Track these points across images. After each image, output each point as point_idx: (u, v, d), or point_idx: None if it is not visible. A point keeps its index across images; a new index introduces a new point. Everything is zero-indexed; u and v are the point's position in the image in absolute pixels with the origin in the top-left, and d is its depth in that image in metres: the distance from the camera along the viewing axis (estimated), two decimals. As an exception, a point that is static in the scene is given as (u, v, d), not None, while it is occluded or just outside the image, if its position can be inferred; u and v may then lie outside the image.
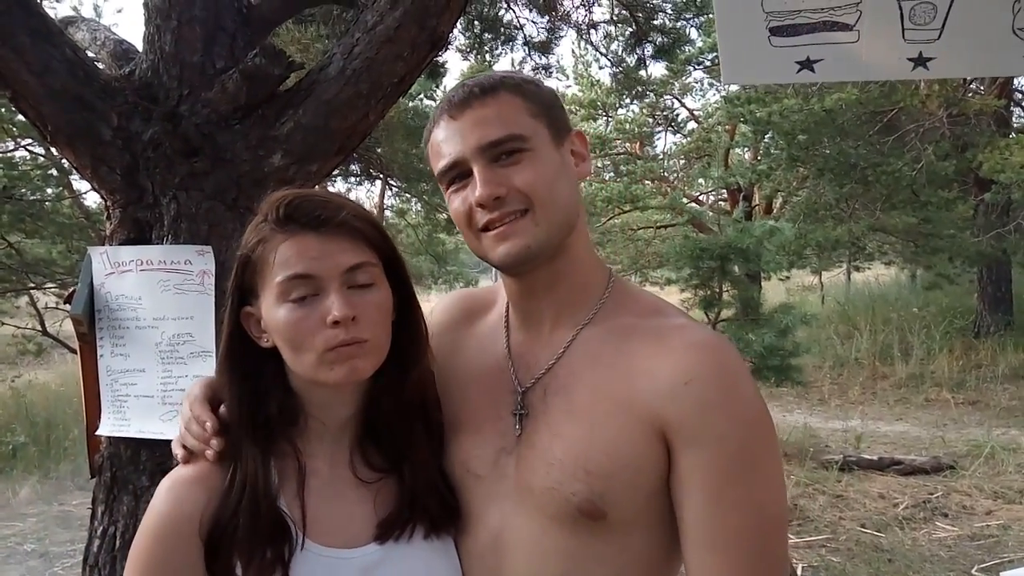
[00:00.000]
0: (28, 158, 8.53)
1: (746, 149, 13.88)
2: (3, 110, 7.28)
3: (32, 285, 8.75)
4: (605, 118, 15.06)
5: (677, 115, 15.44)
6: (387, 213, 13.70)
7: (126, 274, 2.16)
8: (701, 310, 6.70)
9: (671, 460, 1.01)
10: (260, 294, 1.06)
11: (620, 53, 7.78)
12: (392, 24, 2.13)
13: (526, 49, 6.58)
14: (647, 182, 14.23)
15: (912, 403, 9.20)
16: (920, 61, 1.81)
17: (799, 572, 4.59)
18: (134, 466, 2.18)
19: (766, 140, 11.56)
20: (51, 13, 2.39)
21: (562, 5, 6.43)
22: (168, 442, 2.02)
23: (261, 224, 1.06)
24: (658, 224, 14.89)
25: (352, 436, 1.14)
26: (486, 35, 6.44)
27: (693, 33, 10.14)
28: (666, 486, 1.02)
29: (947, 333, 11.14)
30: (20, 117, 5.39)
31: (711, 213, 13.48)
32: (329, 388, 1.07)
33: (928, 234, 10.74)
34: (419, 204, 12.40)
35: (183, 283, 2.12)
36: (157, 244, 2.17)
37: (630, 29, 6.88)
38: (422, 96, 10.48)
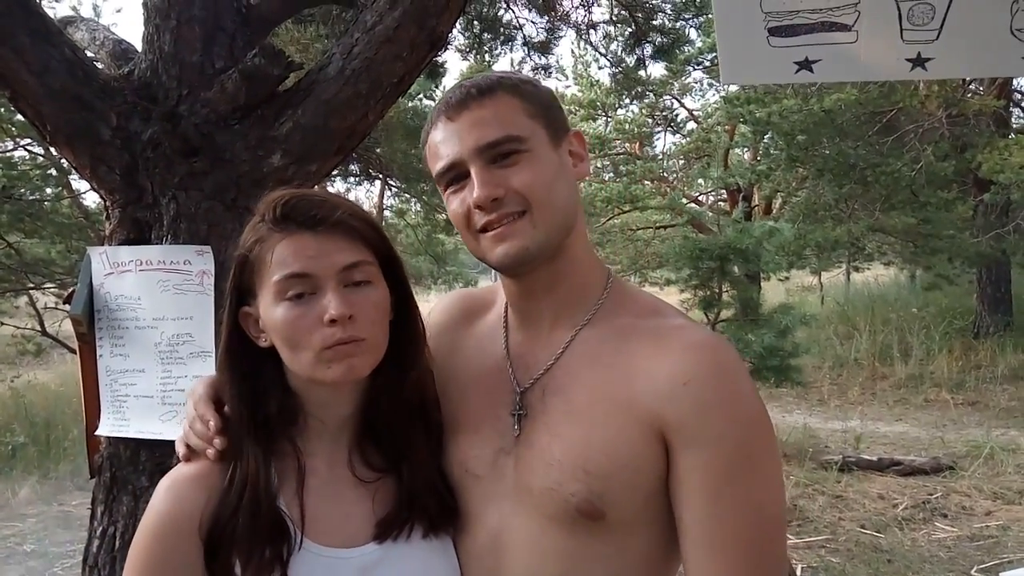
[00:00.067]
0: (27, 158, 8.53)
1: (745, 149, 13.89)
2: (2, 110, 7.28)
3: (31, 285, 8.75)
4: (604, 118, 15.07)
5: (676, 115, 15.47)
6: (386, 213, 13.69)
7: (125, 274, 2.16)
8: (701, 310, 6.70)
9: (670, 460, 1.01)
10: (258, 294, 1.07)
11: (619, 53, 7.78)
12: (391, 24, 2.13)
13: (525, 49, 6.58)
14: (646, 182, 14.23)
15: (911, 404, 9.20)
16: (918, 62, 1.81)
17: (798, 572, 4.60)
18: (133, 466, 2.18)
19: (765, 140, 11.56)
20: (50, 13, 2.40)
21: (561, 5, 6.43)
22: (168, 442, 2.04)
23: (258, 224, 1.07)
24: (657, 224, 14.90)
25: (351, 436, 1.14)
26: (485, 35, 6.43)
27: (692, 33, 10.17)
28: (665, 486, 1.02)
29: (946, 334, 11.14)
30: (19, 117, 5.39)
31: (710, 213, 13.49)
32: (327, 387, 1.07)
33: (927, 234, 10.75)
34: (418, 204, 12.40)
35: (182, 283, 2.12)
36: (156, 244, 2.17)
37: (629, 29, 6.87)
38: (421, 96, 10.48)
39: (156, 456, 2.14)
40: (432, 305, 1.36)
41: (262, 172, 2.17)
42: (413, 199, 12.37)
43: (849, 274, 18.54)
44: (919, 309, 12.59)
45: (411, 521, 1.10)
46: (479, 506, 1.12)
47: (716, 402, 0.99)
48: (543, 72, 6.79)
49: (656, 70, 11.73)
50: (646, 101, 13.51)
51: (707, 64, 12.92)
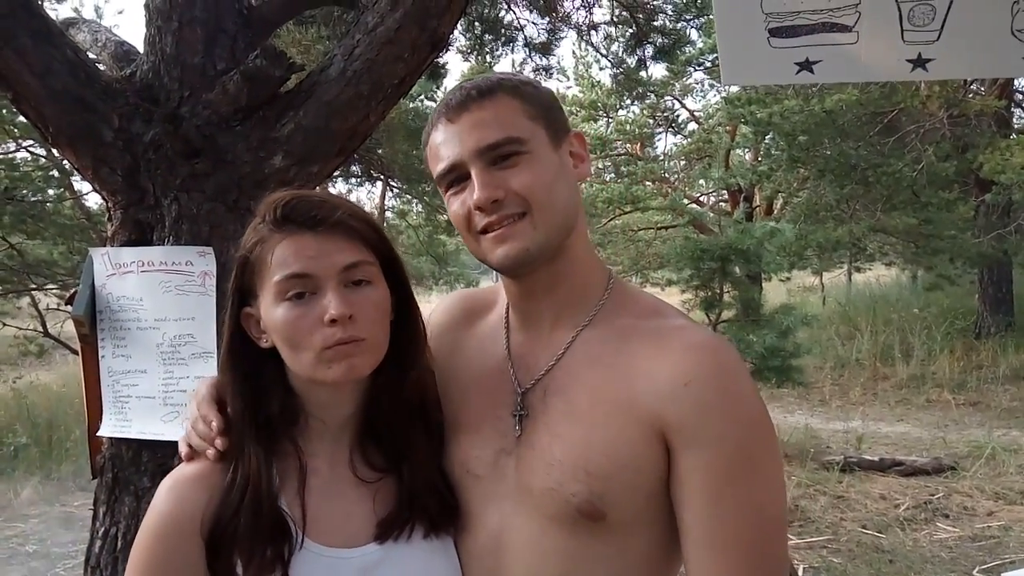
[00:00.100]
0: (29, 159, 8.54)
1: (747, 150, 13.89)
2: (4, 111, 7.29)
3: (33, 286, 8.77)
4: (606, 119, 15.05)
5: (678, 116, 15.45)
6: (388, 214, 13.71)
7: (127, 275, 2.17)
8: (702, 311, 6.70)
9: (671, 461, 1.01)
10: (259, 294, 1.07)
11: (620, 54, 7.79)
12: (393, 25, 2.13)
13: (527, 50, 6.59)
14: (648, 183, 14.24)
15: (913, 404, 9.19)
16: (919, 62, 1.81)
17: (800, 573, 4.59)
18: (136, 467, 2.19)
19: (767, 141, 11.57)
20: (52, 15, 2.40)
21: (563, 6, 6.43)
22: (170, 443, 2.04)
23: (259, 225, 1.07)
24: (659, 225, 14.91)
25: (352, 436, 1.14)
26: (487, 36, 6.44)
27: (693, 34, 10.17)
28: (666, 487, 1.02)
29: (948, 334, 11.13)
30: (21, 118, 5.40)
31: (712, 214, 13.50)
32: (328, 387, 1.07)
33: (929, 235, 10.74)
34: (420, 205, 12.41)
35: (184, 284, 2.12)
36: (158, 245, 2.17)
37: (630, 30, 6.88)
38: (423, 97, 10.48)
39: (158, 457, 2.15)
40: (433, 306, 1.36)
41: (264, 173, 2.18)
42: (415, 200, 12.39)
43: (851, 274, 18.52)
44: (920, 309, 12.58)
45: (412, 521, 1.10)
46: (480, 506, 1.12)
47: (717, 403, 1.00)
48: (544, 73, 6.80)
49: (657, 71, 11.74)
50: (647, 102, 13.48)
51: (708, 65, 12.92)
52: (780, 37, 1.84)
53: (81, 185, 8.34)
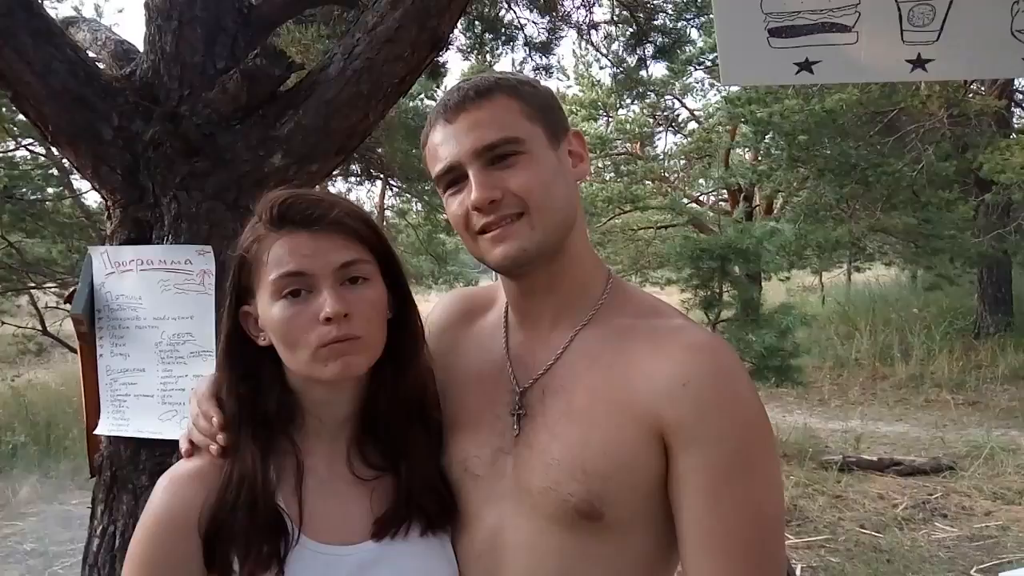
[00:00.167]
0: (29, 158, 8.53)
1: (746, 149, 13.87)
2: (4, 110, 7.29)
3: (32, 284, 8.75)
4: (606, 118, 15.04)
5: (678, 115, 15.44)
6: (388, 213, 13.70)
7: (126, 274, 2.17)
8: (701, 311, 6.71)
9: (669, 461, 1.01)
10: (256, 293, 1.08)
11: (621, 53, 7.79)
12: (392, 24, 2.13)
13: (527, 49, 6.59)
14: (647, 182, 14.24)
15: (912, 404, 9.20)
16: (919, 63, 1.81)
17: (798, 572, 4.60)
18: (134, 465, 2.19)
19: (766, 140, 11.55)
20: (52, 13, 2.40)
21: (563, 5, 6.43)
22: (168, 442, 2.05)
23: (256, 224, 1.08)
24: (658, 224, 14.90)
25: (350, 434, 1.14)
26: (487, 35, 6.44)
27: (694, 33, 10.16)
28: (664, 487, 1.03)
29: (947, 334, 11.13)
30: (21, 117, 5.40)
31: (711, 213, 13.50)
32: (325, 385, 1.08)
33: (928, 235, 10.74)
34: (419, 204, 12.40)
35: (183, 283, 2.12)
36: (157, 244, 2.18)
37: (631, 29, 6.88)
38: (423, 96, 10.48)
39: (156, 455, 2.15)
40: (433, 304, 1.36)
41: (263, 172, 2.18)
42: (414, 199, 12.38)
43: (850, 274, 18.53)
44: (920, 309, 12.59)
45: (409, 519, 1.10)
46: (478, 506, 1.12)
47: (715, 403, 1.00)
48: (544, 72, 6.80)
49: (657, 70, 11.71)
50: (647, 101, 13.49)
51: (708, 64, 12.92)
52: (780, 37, 1.84)
53: (80, 184, 8.33)
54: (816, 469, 6.41)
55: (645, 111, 14.65)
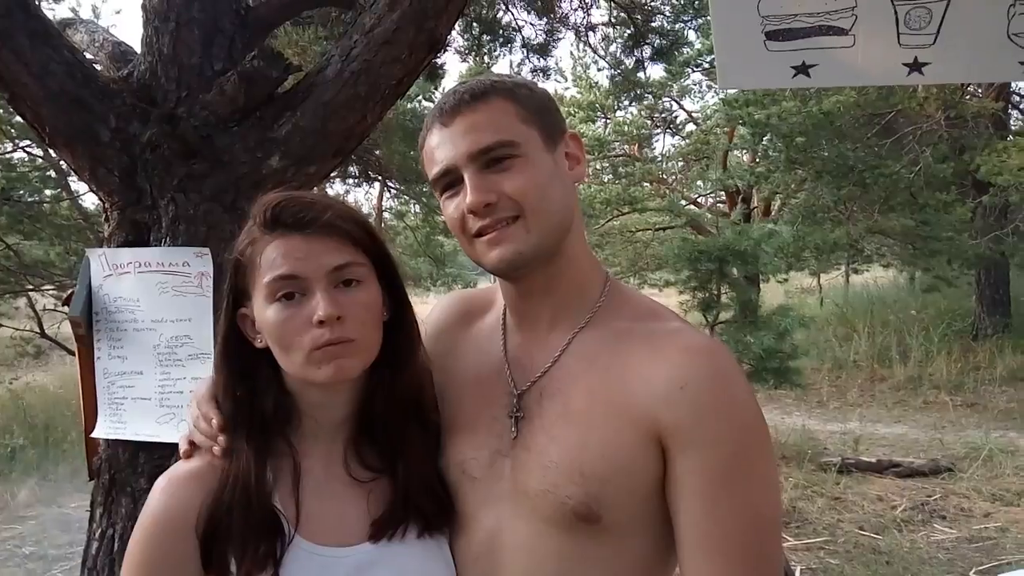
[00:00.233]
0: (26, 160, 8.53)
1: (744, 151, 13.87)
2: (2, 111, 7.28)
3: (30, 287, 8.74)
4: (603, 120, 15.04)
5: (675, 117, 15.44)
6: (386, 215, 13.70)
7: (124, 276, 2.16)
8: (699, 312, 6.71)
9: (666, 464, 1.01)
10: (252, 295, 1.08)
11: (618, 55, 7.79)
12: (390, 26, 2.13)
13: (524, 51, 6.59)
14: (645, 184, 14.24)
15: (910, 405, 9.20)
16: (915, 66, 1.81)
17: (797, 574, 4.60)
18: (132, 468, 2.18)
19: (764, 142, 11.56)
20: (49, 15, 2.40)
21: (560, 7, 6.44)
22: (166, 445, 2.04)
23: (251, 227, 1.09)
24: (656, 226, 14.89)
25: (347, 435, 1.14)
26: (484, 37, 6.44)
27: (691, 35, 10.19)
28: (661, 489, 1.03)
29: (945, 335, 11.14)
30: (18, 119, 5.39)
31: (709, 215, 13.51)
32: (321, 387, 1.08)
33: (926, 236, 10.75)
34: (418, 206, 12.40)
35: (181, 285, 2.12)
36: (155, 246, 2.17)
37: (628, 31, 6.89)
38: (420, 98, 10.49)
39: (155, 458, 2.14)
40: (431, 306, 1.36)
41: (261, 174, 2.18)
42: (412, 201, 12.38)
43: (848, 276, 18.53)
44: (918, 311, 12.60)
45: (406, 521, 1.10)
46: (476, 508, 1.12)
47: (713, 406, 1.00)
48: (542, 74, 6.80)
49: (655, 72, 11.74)
50: (645, 103, 13.50)
51: (706, 66, 12.91)
52: (776, 40, 1.84)
53: (78, 185, 8.32)
54: (815, 471, 6.41)
55: (643, 113, 14.66)
